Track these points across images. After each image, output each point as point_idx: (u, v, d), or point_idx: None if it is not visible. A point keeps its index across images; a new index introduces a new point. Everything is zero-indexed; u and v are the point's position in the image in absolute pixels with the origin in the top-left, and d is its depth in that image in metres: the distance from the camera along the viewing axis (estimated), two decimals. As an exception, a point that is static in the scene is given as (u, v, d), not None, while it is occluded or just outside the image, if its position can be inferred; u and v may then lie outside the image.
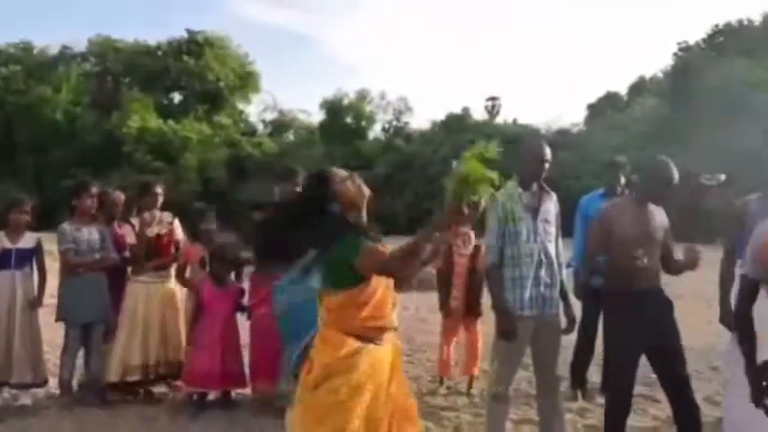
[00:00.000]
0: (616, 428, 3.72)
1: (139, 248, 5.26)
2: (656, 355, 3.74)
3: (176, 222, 5.40)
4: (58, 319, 5.13)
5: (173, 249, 5.37)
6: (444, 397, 5.46)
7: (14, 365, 4.84)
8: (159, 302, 5.23)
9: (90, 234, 5.08)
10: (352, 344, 2.59)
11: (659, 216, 3.82)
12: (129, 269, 5.36)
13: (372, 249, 2.59)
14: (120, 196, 5.53)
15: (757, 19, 37.67)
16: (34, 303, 5.02)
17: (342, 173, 2.83)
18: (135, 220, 5.44)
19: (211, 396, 5.19)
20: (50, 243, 5.19)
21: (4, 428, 4.56)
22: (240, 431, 4.59)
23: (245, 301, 5.22)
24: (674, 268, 3.87)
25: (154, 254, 5.26)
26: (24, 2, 70.05)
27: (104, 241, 5.13)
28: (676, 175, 3.74)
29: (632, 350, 3.70)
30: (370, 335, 2.63)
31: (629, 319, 3.65)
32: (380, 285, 2.63)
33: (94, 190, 5.19)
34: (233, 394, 5.21)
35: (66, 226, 5.08)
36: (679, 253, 3.85)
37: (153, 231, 5.27)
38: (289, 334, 4.21)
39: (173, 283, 5.35)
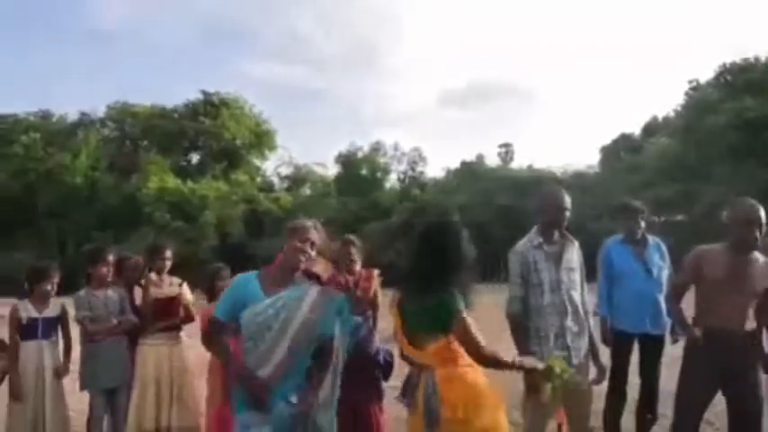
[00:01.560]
0: None
1: (146, 310, 5.26)
2: (730, 400, 3.76)
3: (185, 287, 5.43)
4: (82, 389, 5.10)
5: (180, 312, 5.38)
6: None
7: None
8: (169, 365, 5.20)
9: (107, 299, 5.10)
10: (472, 372, 2.84)
11: (762, 267, 3.77)
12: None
13: (467, 329, 2.77)
14: (139, 260, 5.57)
15: (764, 56, 37.77)
16: (61, 372, 5.01)
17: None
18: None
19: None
20: (73, 308, 5.20)
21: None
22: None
23: None
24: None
25: (161, 316, 5.26)
26: (43, 70, 72.23)
27: (123, 305, 5.14)
28: (755, 215, 3.69)
29: (704, 390, 3.74)
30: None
31: (705, 361, 3.68)
32: None
33: (110, 257, 5.22)
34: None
35: (83, 293, 5.09)
36: None
37: (163, 293, 5.29)
38: None
39: (183, 346, 5.34)
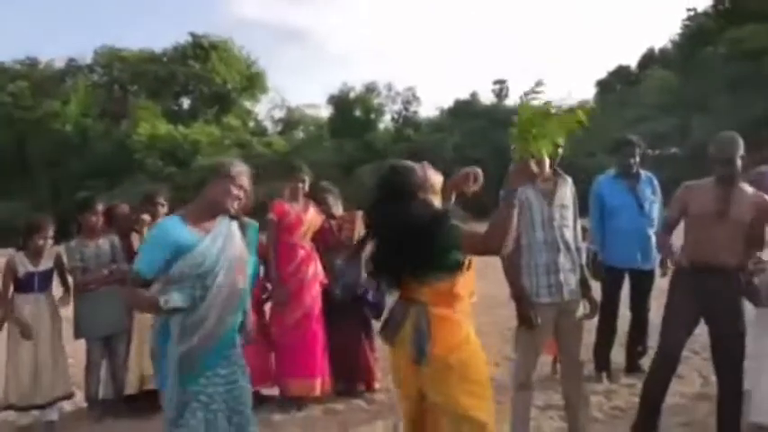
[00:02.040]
0: (653, 399, 3.75)
1: None
2: (712, 333, 3.81)
3: None
4: (77, 337, 5.15)
5: None
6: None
7: (42, 388, 4.88)
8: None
9: (98, 249, 5.11)
10: (467, 323, 2.80)
11: (748, 201, 3.77)
12: None
13: (470, 232, 2.68)
14: (126, 208, 5.57)
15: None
16: (65, 300, 5.13)
17: (413, 163, 2.93)
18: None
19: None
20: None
21: (34, 445, 4.60)
22: (264, 428, 4.59)
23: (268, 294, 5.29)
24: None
25: None
26: (28, 18, 70.61)
27: (115, 254, 5.15)
28: (730, 150, 3.71)
29: (685, 318, 3.79)
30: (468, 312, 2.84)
31: (690, 290, 3.75)
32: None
33: (99, 206, 5.21)
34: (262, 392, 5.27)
35: (73, 244, 5.11)
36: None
37: None
38: None
39: None
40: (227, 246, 3.03)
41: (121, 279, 5.08)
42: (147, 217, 5.30)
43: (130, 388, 5.09)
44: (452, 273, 2.74)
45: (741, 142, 3.78)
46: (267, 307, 5.35)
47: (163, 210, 5.37)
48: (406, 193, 2.78)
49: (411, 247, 2.69)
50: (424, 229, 2.68)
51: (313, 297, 5.14)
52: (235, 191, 3.06)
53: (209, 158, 39.62)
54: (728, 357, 3.73)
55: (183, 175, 37.26)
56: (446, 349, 2.68)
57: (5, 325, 4.95)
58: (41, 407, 4.90)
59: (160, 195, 5.45)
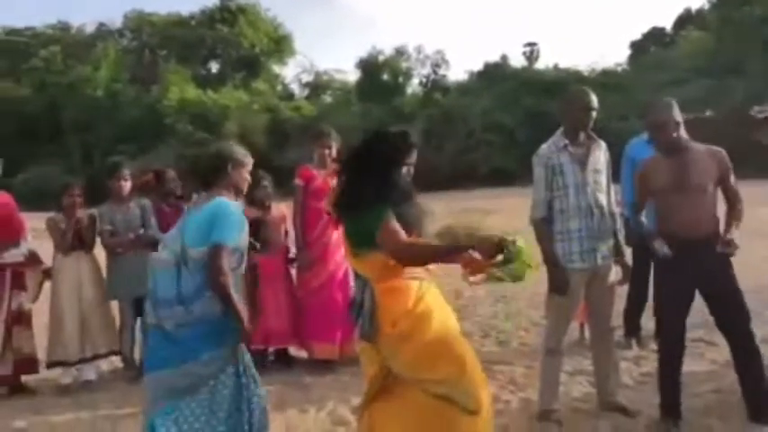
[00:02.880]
0: (670, 377, 3.67)
1: None
2: (710, 300, 3.65)
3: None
4: (108, 299, 5.27)
5: None
6: (495, 351, 5.46)
7: (92, 340, 5.05)
8: None
9: (128, 213, 5.21)
10: (415, 284, 2.66)
11: (704, 159, 3.65)
12: None
13: (392, 230, 2.59)
14: (174, 173, 5.63)
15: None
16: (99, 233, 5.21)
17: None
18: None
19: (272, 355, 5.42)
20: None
21: (72, 403, 4.74)
22: (294, 390, 4.68)
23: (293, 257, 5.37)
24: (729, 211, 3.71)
25: None
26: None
27: (146, 219, 5.23)
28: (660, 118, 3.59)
29: (679, 299, 3.62)
30: (420, 275, 2.70)
31: (675, 268, 3.55)
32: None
33: (126, 172, 5.31)
34: (291, 352, 5.41)
35: (104, 208, 5.24)
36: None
37: None
38: None
39: None
40: None
41: (149, 243, 5.18)
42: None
43: None
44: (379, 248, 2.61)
45: (675, 106, 3.63)
46: (293, 270, 5.42)
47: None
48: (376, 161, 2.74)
49: (344, 214, 2.75)
50: (355, 198, 2.68)
51: (337, 262, 5.18)
52: (247, 175, 3.30)
53: (238, 122, 39.83)
54: (734, 318, 3.58)
55: (214, 140, 37.45)
56: (392, 322, 2.60)
57: (49, 284, 5.12)
58: (88, 360, 5.07)
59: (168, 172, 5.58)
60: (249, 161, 3.31)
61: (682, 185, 3.56)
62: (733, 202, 3.67)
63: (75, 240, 5.10)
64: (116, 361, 5.42)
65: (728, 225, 3.56)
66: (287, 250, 5.44)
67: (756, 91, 31.49)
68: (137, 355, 5.18)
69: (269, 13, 49.59)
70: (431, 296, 2.70)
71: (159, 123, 40.37)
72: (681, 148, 3.62)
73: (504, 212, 13.76)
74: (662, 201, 3.65)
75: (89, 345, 5.06)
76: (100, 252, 5.29)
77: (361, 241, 2.68)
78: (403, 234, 2.59)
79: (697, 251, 3.52)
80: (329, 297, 5.14)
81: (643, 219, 3.85)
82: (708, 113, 32.34)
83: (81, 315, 5.05)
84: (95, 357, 5.13)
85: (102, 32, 49.35)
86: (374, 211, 2.61)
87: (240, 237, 3.04)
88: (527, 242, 2.59)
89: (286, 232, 5.51)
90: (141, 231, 5.19)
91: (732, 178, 3.67)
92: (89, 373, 5.11)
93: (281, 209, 5.55)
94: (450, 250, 2.54)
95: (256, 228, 5.35)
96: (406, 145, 2.79)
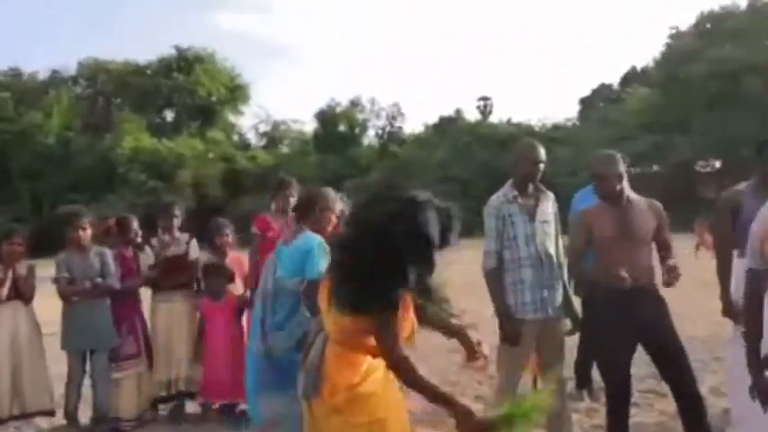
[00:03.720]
0: (617, 427, 3.69)
1: (156, 270, 5.29)
2: (653, 351, 3.70)
3: (193, 243, 5.43)
4: (62, 348, 5.10)
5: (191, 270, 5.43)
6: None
7: (21, 397, 4.81)
8: (179, 321, 5.26)
9: (85, 262, 5.06)
10: (366, 360, 2.45)
11: (644, 211, 3.76)
12: (151, 292, 5.41)
13: (392, 335, 2.31)
14: (135, 221, 5.54)
15: (743, 4, 37.79)
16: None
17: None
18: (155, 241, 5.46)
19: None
20: (50, 268, 5.17)
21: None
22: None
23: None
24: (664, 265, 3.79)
25: (171, 274, 5.29)
26: (12, 29, 70.25)
27: (105, 268, 5.09)
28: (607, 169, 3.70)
29: (620, 348, 3.66)
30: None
31: (615, 316, 3.61)
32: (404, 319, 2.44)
33: (84, 221, 5.19)
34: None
35: (62, 255, 5.09)
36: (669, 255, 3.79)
37: (171, 251, 5.34)
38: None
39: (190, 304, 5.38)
40: None
41: (106, 293, 5.05)
42: (167, 237, 5.34)
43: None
44: (354, 311, 2.31)
45: (618, 159, 3.77)
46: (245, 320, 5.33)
47: (177, 221, 5.41)
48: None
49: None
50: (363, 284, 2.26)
51: None
52: (330, 215, 3.55)
53: (192, 171, 39.54)
54: (679, 378, 3.64)
55: (167, 189, 37.07)
56: (331, 390, 2.41)
57: None
58: (18, 418, 4.83)
59: (175, 206, 5.52)
60: (337, 207, 3.56)
61: (624, 235, 3.66)
62: (665, 254, 3.76)
63: (11, 291, 4.91)
64: (58, 419, 5.19)
65: (666, 258, 3.67)
66: (239, 299, 5.35)
67: (702, 147, 32.80)
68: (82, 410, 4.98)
69: (227, 63, 49.82)
70: (377, 376, 2.47)
71: (112, 172, 39.83)
72: (623, 200, 3.74)
73: (461, 264, 13.87)
74: (604, 249, 3.71)
75: (17, 402, 4.78)
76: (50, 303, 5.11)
77: (348, 307, 2.35)
78: (400, 338, 2.34)
79: (637, 300, 3.59)
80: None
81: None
82: (654, 168, 33.50)
83: (13, 370, 4.79)
84: (24, 416, 4.88)
85: (56, 79, 48.78)
86: (381, 310, 2.29)
87: (324, 265, 3.04)
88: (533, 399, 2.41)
89: (243, 280, 5.44)
90: (99, 280, 5.04)
91: (667, 230, 3.79)
92: (28, 429, 4.88)
93: (237, 257, 5.50)
94: (445, 401, 2.33)
95: (209, 273, 5.30)
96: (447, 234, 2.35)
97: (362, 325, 2.32)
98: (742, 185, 4.21)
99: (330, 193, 3.60)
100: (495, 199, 3.84)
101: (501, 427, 2.28)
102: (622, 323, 3.59)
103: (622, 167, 3.75)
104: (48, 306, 5.15)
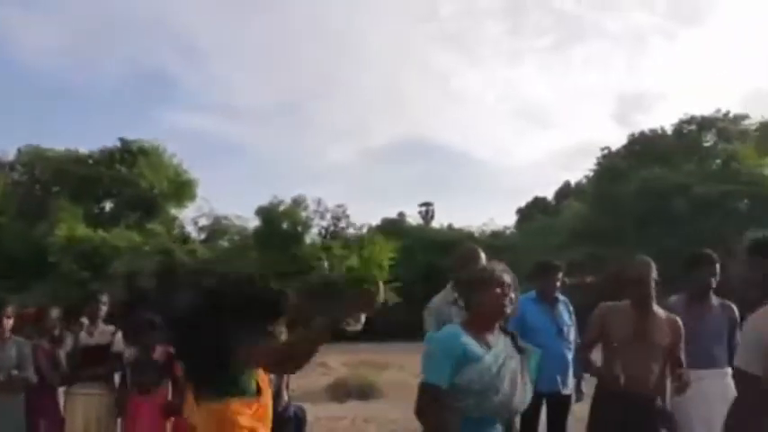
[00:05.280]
0: None
1: (75, 358, 5.08)
2: None
3: (119, 335, 5.26)
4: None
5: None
6: None
7: None
8: (96, 415, 4.99)
9: (2, 353, 4.84)
10: None
11: (665, 323, 3.86)
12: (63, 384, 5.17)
13: (261, 349, 2.57)
14: (57, 312, 5.36)
15: (669, 129, 40.36)
16: None
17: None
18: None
19: None
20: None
21: None
22: None
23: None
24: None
25: (90, 364, 5.08)
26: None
27: (22, 360, 4.87)
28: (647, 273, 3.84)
29: None
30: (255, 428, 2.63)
31: (600, 419, 3.66)
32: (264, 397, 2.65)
33: (9, 309, 5.01)
34: None
35: None
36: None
37: (95, 341, 5.15)
38: None
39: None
40: (507, 362, 2.89)
41: (20, 386, 4.79)
42: (86, 322, 5.17)
43: None
44: (226, 392, 2.55)
45: (654, 267, 3.97)
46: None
47: (103, 310, 5.27)
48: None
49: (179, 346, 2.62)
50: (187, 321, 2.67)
51: None
52: (501, 293, 2.99)
53: (127, 263, 38.49)
54: None
55: (98, 280, 35.86)
56: None
57: None
58: None
59: (102, 295, 5.39)
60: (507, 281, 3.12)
61: (641, 339, 3.74)
62: (673, 367, 3.87)
63: None
64: None
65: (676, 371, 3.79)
66: (166, 396, 5.16)
67: (630, 259, 34.01)
68: None
69: (174, 159, 49.79)
70: None
71: (42, 260, 38.44)
72: (649, 305, 3.85)
73: (399, 366, 13.67)
74: (617, 350, 3.79)
75: None
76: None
77: (202, 385, 2.56)
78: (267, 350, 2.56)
79: (641, 407, 3.73)
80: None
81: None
82: (589, 279, 34.38)
83: None
84: None
85: (-8, 164, 47.75)
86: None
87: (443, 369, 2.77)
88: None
89: (172, 378, 5.26)
90: (14, 372, 4.79)
91: (681, 346, 3.89)
92: None
93: (169, 352, 5.34)
94: (331, 322, 2.56)
95: (138, 367, 5.12)
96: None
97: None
98: (674, 298, 4.40)
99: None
100: (436, 301, 3.89)
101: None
102: (617, 421, 3.63)
103: (656, 275, 3.88)
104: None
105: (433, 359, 2.81)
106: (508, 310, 2.99)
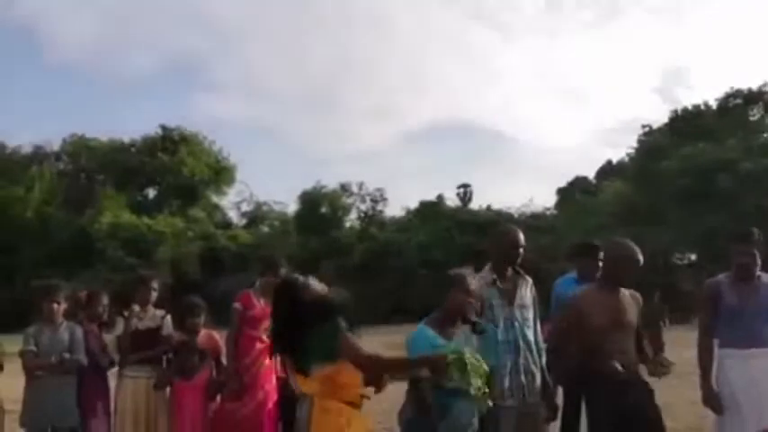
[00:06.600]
0: None
1: (125, 342, 5.19)
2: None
3: (168, 319, 5.35)
4: (20, 426, 4.93)
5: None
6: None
7: None
8: (146, 398, 5.11)
9: (54, 337, 4.97)
10: (348, 410, 2.88)
11: (631, 300, 3.81)
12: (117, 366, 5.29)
13: (353, 344, 2.88)
14: (105, 296, 5.48)
15: (713, 103, 39.35)
16: None
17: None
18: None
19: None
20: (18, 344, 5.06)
21: None
22: None
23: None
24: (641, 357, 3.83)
25: (141, 348, 5.19)
26: (-1, 103, 70.84)
27: (73, 344, 5.00)
28: (640, 256, 3.78)
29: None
30: (356, 402, 2.94)
31: (610, 408, 3.59)
32: None
33: (61, 294, 5.13)
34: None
35: (31, 329, 4.99)
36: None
37: (145, 324, 5.25)
38: None
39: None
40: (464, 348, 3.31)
41: (72, 369, 4.94)
42: (136, 307, 5.27)
43: None
44: (333, 360, 2.86)
45: (636, 251, 3.83)
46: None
47: (154, 294, 5.34)
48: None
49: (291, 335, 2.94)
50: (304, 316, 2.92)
51: (267, 391, 5.07)
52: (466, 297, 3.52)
53: (171, 249, 39.29)
54: None
55: (145, 266, 36.67)
56: None
57: None
58: None
59: (153, 279, 5.47)
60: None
61: (619, 320, 3.69)
62: (642, 342, 3.81)
63: None
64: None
65: (649, 353, 3.70)
66: (209, 379, 5.23)
67: (673, 239, 33.30)
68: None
69: (214, 145, 50.43)
70: (358, 423, 2.91)
71: (89, 247, 39.42)
72: (621, 286, 3.78)
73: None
74: (598, 338, 3.69)
75: None
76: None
77: (312, 356, 2.87)
78: (360, 344, 2.88)
79: (635, 389, 3.63)
80: (259, 426, 4.96)
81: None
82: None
83: None
84: None
85: (39, 154, 48.95)
86: (330, 325, 2.87)
87: None
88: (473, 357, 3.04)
89: (215, 360, 5.35)
90: (66, 355, 4.93)
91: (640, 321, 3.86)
92: None
93: (211, 336, 5.38)
94: (408, 364, 3.12)
95: (180, 351, 5.20)
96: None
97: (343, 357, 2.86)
98: (721, 276, 4.30)
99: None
100: (474, 282, 3.87)
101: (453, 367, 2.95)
102: (621, 410, 3.59)
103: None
104: (10, 385, 5.01)
105: (411, 351, 3.42)
106: (471, 316, 3.54)
